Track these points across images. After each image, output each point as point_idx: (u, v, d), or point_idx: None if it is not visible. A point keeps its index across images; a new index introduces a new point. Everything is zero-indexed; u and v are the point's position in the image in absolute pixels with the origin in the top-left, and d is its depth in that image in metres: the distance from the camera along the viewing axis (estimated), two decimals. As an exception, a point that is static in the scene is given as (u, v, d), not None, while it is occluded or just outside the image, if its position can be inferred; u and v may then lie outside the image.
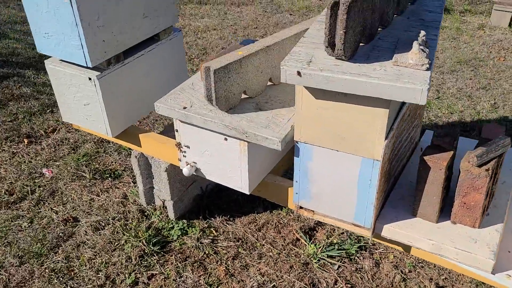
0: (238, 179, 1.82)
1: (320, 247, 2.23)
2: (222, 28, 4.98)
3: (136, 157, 2.29)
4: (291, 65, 1.34)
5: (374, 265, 2.16)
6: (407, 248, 1.71)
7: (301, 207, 1.74)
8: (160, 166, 2.25)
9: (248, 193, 1.84)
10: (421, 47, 1.31)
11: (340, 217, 1.67)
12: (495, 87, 3.68)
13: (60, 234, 2.35)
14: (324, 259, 2.18)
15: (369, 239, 2.27)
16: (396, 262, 2.18)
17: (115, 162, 2.85)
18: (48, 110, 3.42)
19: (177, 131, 1.86)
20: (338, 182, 1.58)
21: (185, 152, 1.89)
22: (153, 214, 2.43)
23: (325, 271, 2.14)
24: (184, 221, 2.39)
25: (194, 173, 1.91)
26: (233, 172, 1.80)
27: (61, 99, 2.20)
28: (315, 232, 2.38)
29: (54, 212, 2.49)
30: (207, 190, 2.58)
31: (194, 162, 1.89)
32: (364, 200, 1.56)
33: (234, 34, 4.79)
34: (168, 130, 2.37)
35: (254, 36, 4.72)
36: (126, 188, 2.64)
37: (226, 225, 2.39)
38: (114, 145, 3.00)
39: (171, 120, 3.13)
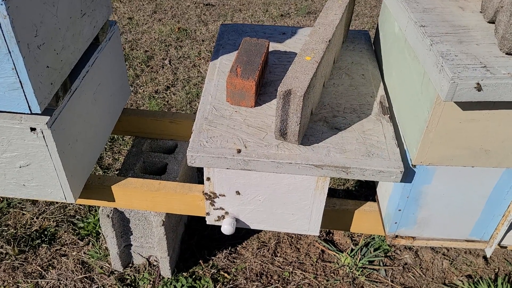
0: (305, 222, 1.37)
1: (355, 255, 1.93)
2: None
3: (108, 216, 1.61)
4: (467, 77, 0.92)
5: (415, 256, 1.96)
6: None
7: (397, 236, 1.39)
8: (150, 220, 1.63)
9: (317, 234, 1.41)
10: None
11: (451, 237, 1.37)
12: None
13: None
14: (367, 268, 1.90)
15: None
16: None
17: (36, 217, 2.04)
18: None
19: (208, 179, 1.29)
20: (461, 201, 1.26)
21: (218, 203, 1.34)
22: (141, 280, 1.80)
23: (376, 281, 1.86)
24: (184, 274, 1.83)
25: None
26: (298, 215, 1.34)
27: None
28: (331, 235, 2.06)
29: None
30: (188, 223, 2.02)
31: (233, 213, 1.36)
32: (490, 214, 1.29)
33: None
34: (128, 167, 1.72)
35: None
36: (76, 251, 1.91)
37: (235, 261, 1.91)
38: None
39: (125, 145, 2.38)
